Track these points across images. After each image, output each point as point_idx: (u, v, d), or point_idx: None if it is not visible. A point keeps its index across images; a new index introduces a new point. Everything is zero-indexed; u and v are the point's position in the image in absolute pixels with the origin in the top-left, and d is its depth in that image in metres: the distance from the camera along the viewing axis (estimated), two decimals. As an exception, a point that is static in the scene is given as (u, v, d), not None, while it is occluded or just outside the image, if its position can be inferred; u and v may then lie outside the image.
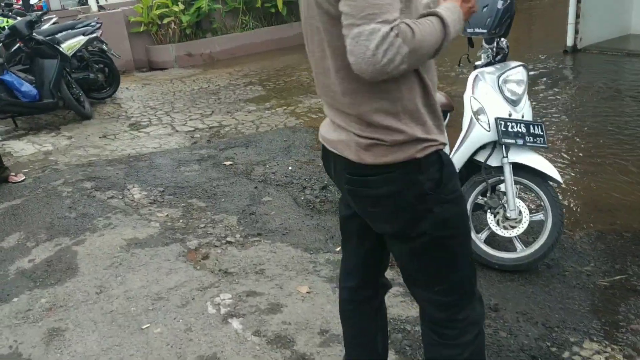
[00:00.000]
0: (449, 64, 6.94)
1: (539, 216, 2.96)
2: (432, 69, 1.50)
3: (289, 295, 2.82)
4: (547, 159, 2.94)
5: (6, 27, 6.13)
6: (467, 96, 2.97)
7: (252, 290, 2.89)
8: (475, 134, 2.91)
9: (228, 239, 3.49)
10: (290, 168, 4.60)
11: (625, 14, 7.88)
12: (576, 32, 7.50)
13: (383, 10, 1.24)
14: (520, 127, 2.90)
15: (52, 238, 3.65)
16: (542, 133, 2.93)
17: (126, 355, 2.50)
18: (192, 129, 5.89)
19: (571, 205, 3.60)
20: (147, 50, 9.28)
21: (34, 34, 6.02)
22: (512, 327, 2.49)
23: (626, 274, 2.84)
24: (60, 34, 6.37)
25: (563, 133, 4.80)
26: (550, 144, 4.35)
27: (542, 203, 2.92)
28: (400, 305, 2.68)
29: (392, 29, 1.24)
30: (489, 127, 2.86)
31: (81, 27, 6.74)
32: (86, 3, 10.43)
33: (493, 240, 3.10)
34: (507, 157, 2.85)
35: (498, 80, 2.93)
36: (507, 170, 2.85)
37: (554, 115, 5.25)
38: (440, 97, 2.93)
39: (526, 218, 2.90)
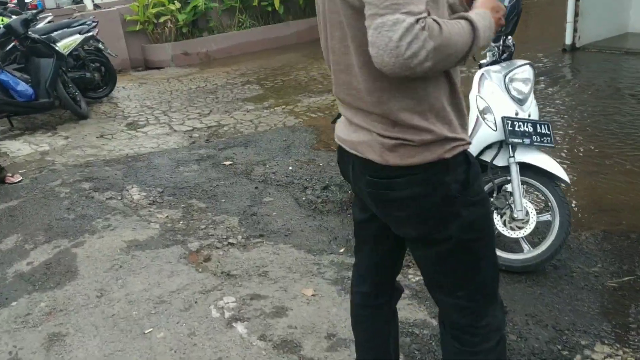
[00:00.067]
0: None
1: (546, 216, 2.92)
2: (457, 67, 1.45)
3: (294, 298, 2.78)
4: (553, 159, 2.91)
5: (1, 26, 6.04)
6: (473, 95, 2.93)
7: (256, 293, 2.84)
8: (482, 134, 2.87)
9: (230, 240, 3.44)
10: (290, 168, 4.55)
11: (624, 12, 7.87)
12: (575, 30, 7.49)
13: (408, 0, 1.18)
14: (527, 127, 2.86)
15: (51, 240, 3.59)
16: (549, 132, 2.90)
17: (129, 361, 2.45)
18: (190, 128, 5.83)
19: (575, 205, 3.57)
20: (143, 49, 9.20)
21: (29, 32, 5.95)
22: (521, 330, 2.46)
23: (634, 274, 2.81)
24: (55, 33, 6.30)
25: (563, 132, 4.77)
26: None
27: (549, 203, 2.88)
28: (407, 308, 2.63)
29: (417, 20, 1.18)
30: (496, 127, 2.82)
31: (77, 26, 6.67)
32: (81, 1, 10.33)
33: (499, 241, 3.06)
34: (513, 156, 2.82)
35: (504, 78, 2.89)
36: (514, 170, 2.82)
37: (553, 114, 5.23)
38: None
39: (533, 219, 2.87)
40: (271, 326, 2.57)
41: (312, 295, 2.79)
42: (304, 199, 3.98)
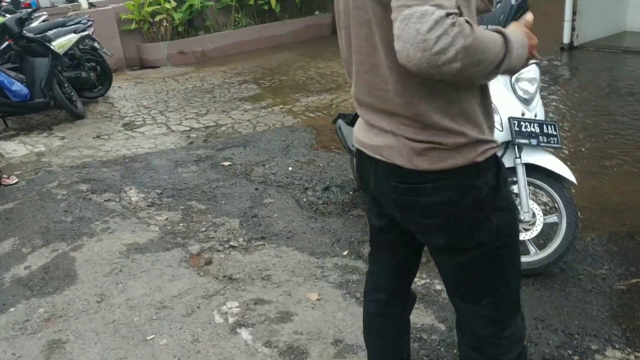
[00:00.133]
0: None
1: (553, 218, 2.88)
2: None
3: (299, 303, 2.73)
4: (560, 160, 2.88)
5: (-5, 25, 5.96)
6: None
7: (259, 298, 2.79)
8: (488, 134, 2.83)
9: (231, 243, 3.39)
10: (290, 168, 4.50)
11: (621, 11, 7.87)
12: (573, 29, 7.48)
13: None
14: (533, 127, 2.83)
15: (49, 243, 3.52)
16: (555, 133, 2.86)
17: (131, 368, 2.40)
18: (188, 128, 5.77)
19: (578, 206, 3.53)
20: (139, 48, 9.12)
21: (24, 31, 5.87)
22: (531, 334, 2.42)
23: (643, 277, 2.78)
24: (50, 32, 6.22)
25: (564, 131, 4.74)
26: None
27: (555, 205, 2.85)
28: (414, 313, 2.55)
29: (448, 15, 1.10)
30: (502, 127, 2.78)
31: (72, 25, 6.59)
32: (76, 0, 10.23)
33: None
34: (520, 157, 2.78)
35: (510, 78, 2.86)
36: (520, 172, 2.78)
37: (553, 113, 5.20)
38: None
39: (540, 220, 2.83)
40: (276, 332, 2.52)
41: (317, 299, 2.74)
42: (304, 200, 3.93)
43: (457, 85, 1.27)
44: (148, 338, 2.56)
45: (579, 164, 4.13)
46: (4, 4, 7.88)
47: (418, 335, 2.43)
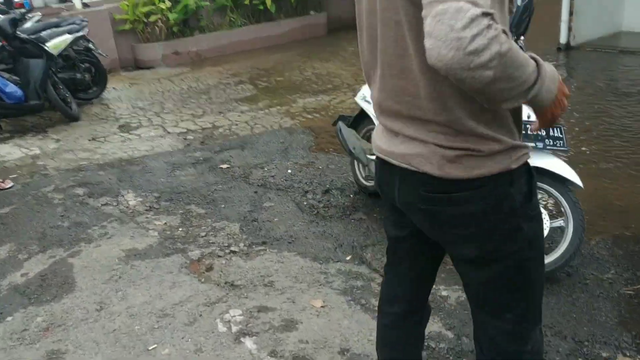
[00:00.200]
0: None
1: (559, 222, 2.85)
2: None
3: (303, 310, 2.68)
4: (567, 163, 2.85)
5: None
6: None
7: (263, 305, 2.74)
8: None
9: (232, 248, 3.34)
10: (289, 171, 4.46)
11: (617, 11, 7.87)
12: (569, 29, 7.47)
13: None
14: (540, 130, 2.79)
15: (45, 249, 3.46)
16: (562, 136, 2.82)
17: (133, 379, 2.35)
18: (185, 130, 5.70)
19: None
20: (133, 48, 9.03)
21: (18, 32, 5.78)
22: (540, 342, 2.38)
23: (650, 281, 2.75)
24: (44, 33, 6.12)
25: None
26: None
27: (562, 209, 2.82)
28: (421, 320, 2.55)
29: (484, 15, 1.03)
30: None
31: (66, 26, 6.50)
32: (68, 0, 10.12)
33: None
34: (526, 161, 2.74)
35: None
36: (527, 175, 2.74)
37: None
38: None
39: (546, 225, 2.80)
40: (281, 341, 2.47)
41: (322, 306, 2.70)
42: (305, 203, 3.89)
43: (482, 100, 1.19)
44: (150, 348, 2.50)
45: (579, 165, 4.10)
46: (-4, 4, 7.77)
47: (426, 344, 2.38)
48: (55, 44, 6.05)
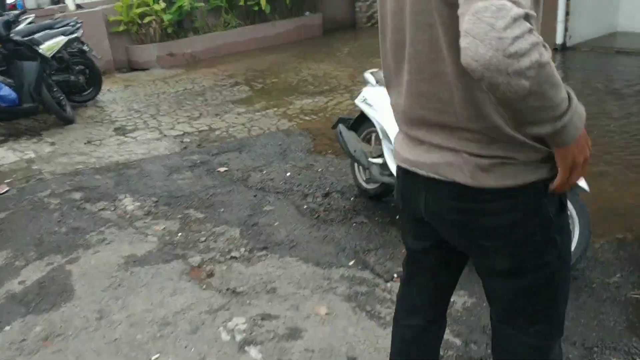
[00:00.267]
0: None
1: (565, 226, 2.82)
2: None
3: (307, 318, 2.64)
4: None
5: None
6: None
7: (266, 313, 2.70)
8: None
9: (232, 253, 3.29)
10: (288, 174, 4.41)
11: (613, 11, 7.88)
12: (565, 29, 7.47)
13: None
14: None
15: (43, 256, 3.40)
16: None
17: (135, 390, 2.30)
18: (181, 132, 5.65)
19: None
20: (128, 50, 8.97)
21: (11, 34, 5.71)
22: (549, 348, 2.35)
23: (657, 285, 2.73)
24: (38, 34, 6.06)
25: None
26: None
27: (568, 212, 2.78)
28: (428, 327, 2.51)
29: (527, 16, 0.97)
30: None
31: (60, 27, 6.43)
32: (62, 2, 10.03)
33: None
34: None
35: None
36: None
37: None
38: None
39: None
40: (287, 350, 2.43)
41: (326, 314, 2.66)
42: (305, 207, 3.85)
43: (508, 116, 1.13)
44: (152, 358, 2.45)
45: (582, 166, 4.08)
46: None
47: (434, 351, 2.36)
48: (49, 46, 5.99)
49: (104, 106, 6.83)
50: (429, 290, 1.62)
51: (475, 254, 1.39)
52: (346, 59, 8.18)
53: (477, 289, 2.64)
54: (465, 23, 1.00)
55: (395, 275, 2.94)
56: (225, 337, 2.55)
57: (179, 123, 5.95)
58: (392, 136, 3.29)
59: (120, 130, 5.85)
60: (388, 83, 1.44)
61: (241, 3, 9.56)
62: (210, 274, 3.09)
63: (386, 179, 3.42)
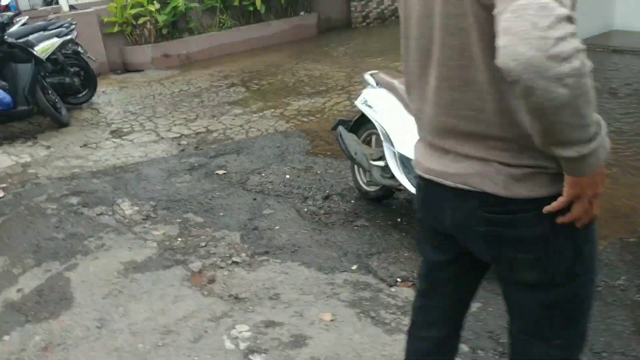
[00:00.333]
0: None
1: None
2: None
3: (312, 325, 2.61)
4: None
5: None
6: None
7: (270, 320, 2.67)
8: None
9: (234, 258, 3.25)
10: (287, 176, 4.38)
11: (609, 10, 7.87)
12: (562, 28, 7.46)
13: None
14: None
15: (41, 263, 3.35)
16: None
17: (139, 401, 2.26)
18: (178, 135, 5.60)
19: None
20: (122, 51, 8.89)
21: (5, 37, 5.65)
22: (558, 354, 2.33)
23: (663, 288, 2.71)
24: (32, 36, 6.00)
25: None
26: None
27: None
28: (434, 333, 2.49)
29: (569, 18, 0.93)
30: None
31: (54, 29, 6.37)
32: (54, 3, 9.95)
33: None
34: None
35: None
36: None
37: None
38: None
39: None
40: (293, 358, 2.39)
41: (331, 320, 2.63)
42: (305, 210, 3.81)
43: (536, 129, 1.08)
44: (155, 367, 2.42)
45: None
46: (-19, 7, 7.62)
47: (441, 358, 2.33)
48: (44, 47, 5.93)
49: (99, 108, 6.77)
50: (447, 303, 1.59)
51: (504, 266, 1.35)
52: (342, 59, 8.14)
53: (483, 294, 2.61)
54: (504, 21, 0.95)
55: (398, 280, 2.92)
56: (229, 345, 2.51)
57: (175, 125, 5.90)
58: (393, 138, 3.26)
59: (117, 133, 5.80)
60: (410, 88, 1.40)
61: (236, 3, 9.50)
62: (212, 280, 3.06)
63: (387, 182, 3.40)
